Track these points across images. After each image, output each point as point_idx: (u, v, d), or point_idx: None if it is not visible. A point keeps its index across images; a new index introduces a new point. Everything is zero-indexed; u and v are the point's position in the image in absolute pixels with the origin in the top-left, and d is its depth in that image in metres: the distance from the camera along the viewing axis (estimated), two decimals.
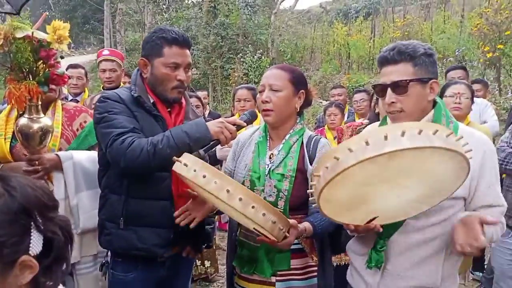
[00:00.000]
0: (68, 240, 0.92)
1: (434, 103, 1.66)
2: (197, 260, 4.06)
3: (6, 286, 0.83)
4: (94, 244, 2.19)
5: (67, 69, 4.01)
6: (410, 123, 1.22)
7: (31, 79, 1.83)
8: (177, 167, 1.58)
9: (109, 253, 2.04)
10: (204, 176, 1.48)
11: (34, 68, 1.84)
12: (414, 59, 1.57)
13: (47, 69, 1.86)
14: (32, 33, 1.79)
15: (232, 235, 2.02)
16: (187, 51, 1.97)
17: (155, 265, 1.96)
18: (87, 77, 4.24)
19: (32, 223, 0.85)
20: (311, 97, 2.02)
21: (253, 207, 1.46)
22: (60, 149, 2.21)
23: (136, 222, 1.88)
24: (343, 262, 3.21)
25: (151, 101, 1.95)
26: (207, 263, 4.25)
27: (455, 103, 3.04)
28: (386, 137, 1.14)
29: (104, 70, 3.97)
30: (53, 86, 2.21)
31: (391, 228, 1.61)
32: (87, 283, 2.23)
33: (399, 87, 1.58)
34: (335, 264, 3.01)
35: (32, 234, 0.85)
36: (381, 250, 1.65)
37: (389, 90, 1.60)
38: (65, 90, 3.32)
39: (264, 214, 1.48)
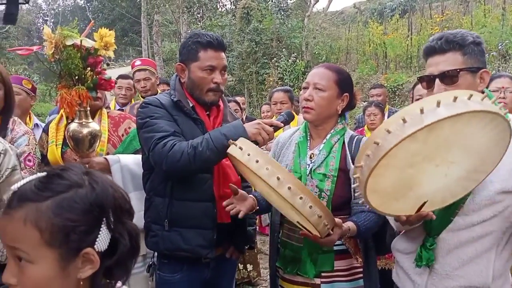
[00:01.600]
0: (133, 250, 0.94)
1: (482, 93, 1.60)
2: (239, 264, 4.08)
3: (65, 275, 0.86)
4: (143, 244, 2.25)
5: (117, 79, 4.11)
6: (444, 92, 1.16)
7: (80, 85, 1.92)
8: (231, 150, 1.61)
9: (155, 254, 2.09)
10: (257, 161, 1.49)
11: (83, 75, 1.93)
12: (463, 48, 1.52)
13: (94, 76, 1.95)
14: (81, 41, 1.87)
15: (274, 236, 2.02)
16: (222, 53, 2.01)
17: (200, 266, 2.00)
18: (135, 88, 4.35)
19: (104, 219, 0.89)
20: (355, 101, 2.01)
21: (301, 198, 1.44)
22: (107, 153, 2.32)
23: (180, 224, 1.92)
24: (387, 267, 3.13)
25: (190, 105, 2.00)
26: (249, 267, 4.26)
27: (500, 97, 2.91)
28: (422, 111, 1.10)
29: (139, 80, 4.08)
30: (99, 95, 2.34)
31: (440, 225, 1.56)
32: (137, 283, 2.28)
33: (449, 77, 1.52)
34: (379, 268, 2.94)
35: (101, 229, 0.88)
36: (431, 248, 1.59)
37: (437, 81, 1.55)
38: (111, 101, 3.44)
39: (311, 207, 1.46)
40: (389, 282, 1.89)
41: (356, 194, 1.37)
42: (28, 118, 3.36)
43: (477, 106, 1.12)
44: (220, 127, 1.90)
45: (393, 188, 1.32)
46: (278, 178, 1.44)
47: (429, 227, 1.59)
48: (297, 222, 1.62)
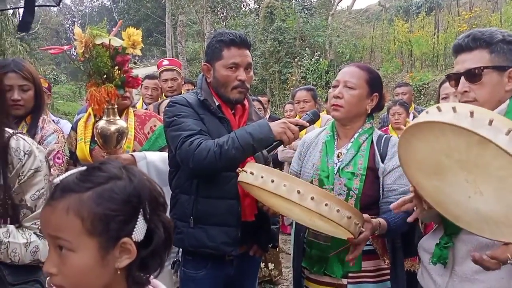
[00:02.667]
0: (167, 242, 0.98)
1: None
2: (261, 263, 4.09)
3: (104, 264, 0.90)
4: None
5: (143, 80, 4.17)
6: None
7: (108, 83, 1.98)
8: (243, 177, 1.60)
9: (179, 251, 2.12)
10: (273, 181, 1.48)
11: (111, 73, 1.98)
12: (491, 46, 1.48)
13: (122, 74, 2.00)
14: (110, 40, 1.92)
15: (300, 235, 2.01)
16: (247, 51, 2.02)
17: (223, 263, 2.02)
18: (161, 88, 4.41)
19: (141, 209, 0.93)
20: (383, 102, 1.99)
21: (326, 204, 1.43)
22: (134, 150, 2.37)
23: (205, 221, 1.94)
24: (412, 269, 3.08)
25: (216, 103, 2.02)
26: (271, 266, 4.26)
27: None
28: (491, 122, 1.04)
29: (166, 80, 4.12)
30: (127, 94, 2.41)
31: (457, 225, 1.51)
32: (162, 277, 2.31)
33: (473, 75, 1.50)
34: (405, 269, 2.90)
35: (138, 219, 0.92)
36: (446, 247, 1.57)
37: (462, 79, 1.53)
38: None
39: (338, 210, 1.45)
40: (414, 284, 1.86)
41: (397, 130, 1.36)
42: (46, 116, 3.46)
43: None
44: (246, 126, 1.91)
45: (422, 158, 1.29)
46: (298, 192, 1.44)
47: (446, 224, 1.56)
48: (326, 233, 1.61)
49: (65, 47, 2.03)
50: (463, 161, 1.19)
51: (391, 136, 1.99)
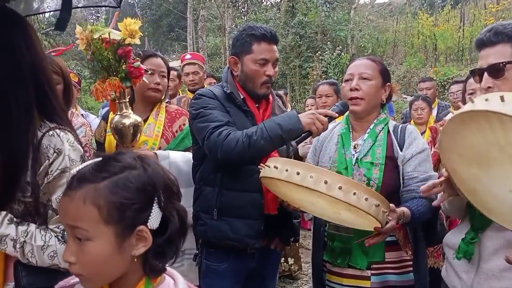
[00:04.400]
0: (182, 229, 1.00)
1: None
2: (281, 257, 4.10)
3: (121, 251, 0.93)
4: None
5: None
6: None
7: (113, 77, 2.01)
8: (267, 172, 1.59)
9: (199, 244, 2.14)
10: (298, 173, 1.47)
11: (117, 67, 2.01)
12: None
13: (126, 66, 2.02)
14: (109, 33, 1.94)
15: (320, 229, 2.01)
16: (275, 46, 2.03)
17: (245, 256, 2.03)
18: (180, 79, 4.46)
19: (156, 198, 0.95)
20: (393, 93, 2.01)
21: (354, 193, 1.42)
22: (159, 148, 2.36)
23: (229, 213, 1.96)
24: (436, 266, 3.05)
25: (242, 97, 2.03)
26: (290, 260, 4.27)
27: None
28: None
29: (188, 74, 4.20)
30: (160, 87, 2.40)
31: (483, 219, 1.48)
32: (189, 270, 2.33)
33: (496, 70, 1.47)
34: (428, 266, 2.87)
35: (153, 207, 0.94)
36: (472, 242, 1.54)
37: (485, 74, 1.50)
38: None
39: (366, 199, 1.44)
40: (438, 281, 1.85)
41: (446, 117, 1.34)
42: (75, 109, 3.53)
43: None
44: (275, 117, 1.91)
45: (467, 146, 1.27)
46: (326, 182, 1.42)
47: (473, 219, 1.54)
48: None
49: (64, 48, 2.07)
50: None
51: (407, 124, 1.99)
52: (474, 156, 1.28)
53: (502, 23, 1.51)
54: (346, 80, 1.95)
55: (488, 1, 14.03)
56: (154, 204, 0.94)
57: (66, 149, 1.40)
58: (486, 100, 1.15)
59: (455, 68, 11.21)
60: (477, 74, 1.55)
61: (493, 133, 1.16)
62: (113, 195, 0.91)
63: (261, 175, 1.65)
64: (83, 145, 2.28)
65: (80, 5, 1.94)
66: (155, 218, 0.94)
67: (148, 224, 0.93)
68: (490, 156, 1.23)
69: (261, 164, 1.66)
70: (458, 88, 4.55)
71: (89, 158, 2.32)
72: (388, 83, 1.96)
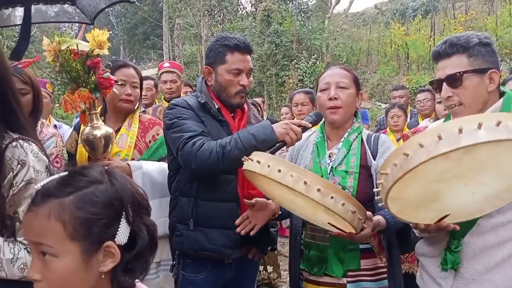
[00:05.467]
0: (151, 244, 0.98)
1: (502, 93, 1.59)
2: (260, 266, 4.09)
3: (87, 268, 0.90)
4: (158, 251, 2.26)
5: None
6: (487, 114, 1.16)
7: (82, 88, 1.99)
8: (249, 166, 1.58)
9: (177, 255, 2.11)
10: (280, 171, 1.46)
11: (87, 79, 1.99)
12: (468, 50, 1.53)
13: (95, 77, 2.00)
14: (77, 44, 1.92)
15: (296, 238, 2.01)
16: (249, 56, 2.04)
17: (223, 266, 2.01)
18: (156, 88, 4.42)
19: (123, 212, 0.93)
20: (362, 100, 2.06)
21: (332, 197, 1.42)
22: (132, 159, 2.31)
23: (205, 224, 1.94)
24: (411, 271, 3.09)
25: (216, 106, 2.02)
26: (269, 268, 4.26)
27: None
28: (460, 131, 1.07)
29: (165, 82, 4.17)
30: (131, 98, 2.37)
31: (464, 227, 1.53)
32: (167, 282, 2.30)
33: (454, 80, 1.54)
34: (403, 271, 2.91)
35: (121, 222, 0.93)
36: (456, 251, 1.57)
37: (444, 85, 1.57)
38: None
39: (343, 204, 1.45)
40: (412, 287, 1.87)
41: (377, 198, 1.36)
42: (47, 120, 3.45)
43: None
44: (249, 127, 1.91)
45: (416, 198, 1.32)
46: (305, 183, 1.41)
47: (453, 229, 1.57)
48: (328, 223, 1.60)
49: (31, 60, 2.04)
50: (456, 174, 1.21)
51: (380, 134, 2.04)
52: (426, 200, 1.33)
53: (456, 35, 1.59)
54: (323, 90, 1.96)
55: (457, 11, 14.52)
56: (122, 219, 0.93)
57: (30, 160, 1.38)
58: (395, 165, 1.18)
59: (427, 76, 11.49)
60: (437, 85, 1.62)
61: (426, 176, 1.20)
62: (79, 210, 0.89)
63: (243, 167, 1.63)
64: (54, 156, 2.25)
65: (52, 20, 1.91)
66: (123, 233, 0.92)
67: (116, 239, 0.91)
68: (437, 190, 1.28)
69: (245, 157, 1.64)
70: (424, 97, 4.70)
71: (61, 169, 2.28)
72: (360, 91, 2.01)
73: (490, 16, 12.26)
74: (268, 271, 4.25)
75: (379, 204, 1.71)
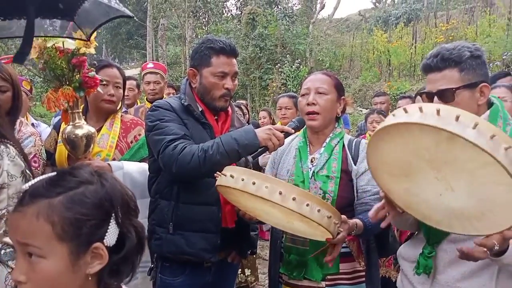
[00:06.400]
0: (139, 246, 0.97)
1: (491, 103, 1.60)
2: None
3: (75, 270, 0.89)
4: None
5: None
6: (488, 123, 1.10)
7: (66, 86, 1.97)
8: (223, 181, 1.58)
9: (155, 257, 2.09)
10: (254, 183, 1.47)
11: (71, 77, 1.97)
12: (460, 64, 1.51)
13: (80, 76, 1.99)
14: (63, 42, 1.91)
15: (277, 242, 2.02)
16: (234, 60, 2.03)
17: (201, 270, 2.00)
18: (139, 88, 4.37)
19: (113, 213, 0.92)
20: (346, 106, 2.06)
21: (307, 204, 1.44)
22: (113, 159, 2.29)
23: (185, 227, 1.93)
24: (387, 275, 3.13)
25: (200, 109, 2.02)
26: (247, 272, 4.25)
27: None
28: (457, 118, 1.07)
29: (149, 82, 4.13)
30: (114, 99, 2.35)
31: (439, 233, 1.55)
32: (144, 285, 2.27)
33: (445, 95, 1.52)
34: (381, 275, 2.95)
35: (110, 224, 0.91)
36: (430, 256, 1.59)
37: (435, 98, 1.55)
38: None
39: (319, 210, 1.47)
40: None
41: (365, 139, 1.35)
42: (25, 118, 3.38)
43: (504, 162, 1.04)
44: (231, 132, 1.91)
45: (391, 160, 1.30)
46: (280, 193, 1.43)
47: (428, 234, 1.59)
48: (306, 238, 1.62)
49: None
50: (433, 160, 1.20)
51: (361, 139, 2.05)
52: (399, 170, 1.32)
53: (446, 47, 1.56)
54: (303, 95, 1.98)
55: (439, 20, 14.82)
56: (111, 221, 0.92)
57: (5, 164, 1.35)
58: (393, 115, 1.20)
59: (408, 83, 11.70)
60: (427, 97, 1.60)
61: (406, 144, 1.20)
62: (68, 211, 0.87)
63: (217, 183, 1.64)
64: (32, 155, 2.21)
65: (49, 35, 1.90)
66: (112, 235, 0.91)
67: (104, 241, 0.90)
68: (411, 166, 1.27)
69: (217, 172, 1.64)
70: (405, 103, 4.78)
71: (39, 169, 2.23)
72: (343, 97, 2.02)
73: (471, 26, 12.55)
74: (246, 274, 4.23)
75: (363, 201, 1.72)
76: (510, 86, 3.19)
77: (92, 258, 0.90)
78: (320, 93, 1.93)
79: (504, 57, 9.34)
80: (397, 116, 1.18)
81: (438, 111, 1.09)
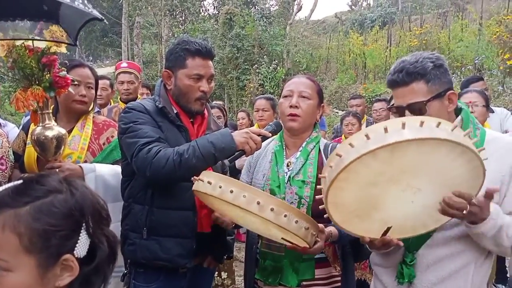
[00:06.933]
0: (111, 257, 0.94)
1: (459, 108, 1.63)
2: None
3: (44, 283, 0.85)
4: None
5: None
6: (412, 117, 1.18)
7: (36, 86, 1.91)
8: (199, 187, 1.55)
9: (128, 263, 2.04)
10: (232, 191, 1.45)
11: (41, 76, 1.91)
12: (425, 76, 1.53)
13: (50, 75, 1.93)
14: (33, 41, 1.85)
15: (252, 247, 2.00)
16: (210, 62, 1.99)
17: (176, 276, 1.96)
18: (112, 88, 4.28)
19: (83, 224, 0.88)
20: (323, 113, 2.07)
21: (285, 215, 1.43)
22: (85, 162, 2.23)
23: (159, 232, 1.88)
24: (363, 278, 3.16)
25: (175, 111, 1.97)
26: (223, 275, 4.21)
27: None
28: (386, 130, 1.11)
29: (122, 82, 4.04)
30: (86, 99, 2.29)
31: (419, 240, 1.57)
32: None
33: (417, 109, 1.54)
34: (356, 278, 2.97)
35: (81, 234, 0.88)
36: (412, 264, 1.60)
37: (407, 112, 1.56)
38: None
39: (296, 222, 1.46)
40: None
41: (320, 207, 1.37)
42: None
43: (443, 134, 1.11)
44: (208, 135, 1.87)
45: (354, 204, 1.32)
46: (258, 203, 1.42)
47: (408, 242, 1.60)
48: (282, 238, 1.60)
49: None
50: (391, 177, 1.23)
51: (337, 144, 2.04)
52: (366, 206, 1.34)
53: (409, 61, 1.56)
54: (285, 96, 1.96)
55: (413, 24, 15.12)
56: (81, 231, 0.88)
57: None
58: (331, 167, 1.23)
59: (383, 85, 11.86)
60: (398, 111, 1.61)
61: (360, 177, 1.22)
62: (36, 221, 0.83)
63: (193, 188, 1.61)
64: None
65: (36, 38, 1.85)
66: (82, 246, 0.88)
67: (74, 252, 0.87)
68: (375, 195, 1.30)
69: (194, 177, 1.60)
70: (380, 106, 4.90)
71: (6, 171, 2.14)
72: (322, 104, 2.02)
73: (444, 30, 12.85)
74: (222, 277, 4.20)
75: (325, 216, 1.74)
76: (481, 91, 3.29)
77: (61, 270, 0.86)
78: (304, 97, 1.92)
79: (476, 61, 9.60)
80: (339, 162, 1.19)
81: (367, 136, 1.14)
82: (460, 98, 3.07)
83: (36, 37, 1.90)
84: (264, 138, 1.87)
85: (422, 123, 1.11)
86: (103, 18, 1.68)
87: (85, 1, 1.52)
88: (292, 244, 1.61)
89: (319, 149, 1.97)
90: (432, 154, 1.16)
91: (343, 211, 1.35)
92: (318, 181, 1.88)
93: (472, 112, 2.95)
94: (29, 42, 1.87)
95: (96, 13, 1.57)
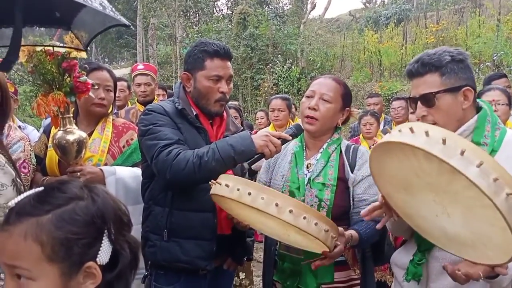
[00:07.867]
0: (133, 262, 0.93)
1: (479, 108, 1.59)
2: None
3: None
4: None
5: None
6: (494, 162, 1.06)
7: (57, 91, 1.93)
8: (217, 190, 1.54)
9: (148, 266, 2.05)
10: (250, 194, 1.43)
11: (61, 81, 1.92)
12: (441, 69, 1.51)
13: (71, 80, 1.94)
14: (53, 47, 1.86)
15: (271, 249, 1.99)
16: (228, 63, 1.99)
17: (197, 277, 1.96)
18: (129, 89, 4.32)
19: (106, 230, 0.88)
20: (350, 117, 2.03)
21: (304, 217, 1.40)
22: (105, 164, 2.24)
23: (180, 234, 1.88)
24: (383, 279, 3.12)
25: (194, 113, 1.97)
26: (242, 275, 4.22)
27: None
28: (462, 153, 1.04)
29: (139, 84, 4.06)
30: (105, 102, 2.30)
31: (429, 242, 1.53)
32: None
33: (427, 100, 1.53)
34: (376, 279, 2.93)
35: (103, 241, 0.87)
36: (420, 264, 1.58)
37: (419, 104, 1.56)
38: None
39: (316, 224, 1.43)
40: None
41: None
42: (12, 122, 3.31)
43: (503, 208, 1.02)
44: (227, 137, 1.86)
45: (394, 171, 1.29)
46: (277, 205, 1.39)
47: (419, 240, 1.58)
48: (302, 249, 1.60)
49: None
50: (433, 184, 1.20)
51: (359, 146, 2.02)
52: (399, 183, 1.31)
53: (428, 53, 1.56)
54: (308, 96, 1.93)
55: (429, 20, 14.90)
56: (103, 238, 0.87)
57: None
58: (400, 131, 1.18)
59: (399, 83, 11.74)
60: (412, 102, 1.61)
61: (409, 162, 1.19)
62: (58, 230, 0.82)
63: (211, 192, 1.60)
64: (21, 161, 2.14)
65: (46, 44, 1.87)
66: (105, 253, 0.87)
67: (97, 259, 0.86)
68: (412, 183, 1.27)
69: (212, 180, 1.60)
70: (399, 104, 4.81)
71: (28, 174, 2.17)
72: (347, 108, 1.96)
73: (461, 27, 12.64)
74: (240, 278, 4.20)
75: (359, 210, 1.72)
76: (503, 89, 3.19)
77: (84, 278, 0.86)
78: (324, 100, 1.88)
79: (495, 58, 9.42)
80: (403, 134, 1.15)
81: (444, 140, 1.07)
82: (482, 96, 2.99)
83: (56, 43, 1.92)
84: (284, 141, 1.85)
85: (496, 180, 1.03)
86: (130, 24, 1.68)
87: (113, 8, 1.52)
88: (314, 259, 1.60)
89: (341, 151, 1.94)
90: (480, 208, 1.10)
91: (380, 169, 1.34)
92: (338, 183, 1.85)
93: (495, 111, 2.89)
94: (49, 47, 1.89)
95: (123, 20, 1.58)
